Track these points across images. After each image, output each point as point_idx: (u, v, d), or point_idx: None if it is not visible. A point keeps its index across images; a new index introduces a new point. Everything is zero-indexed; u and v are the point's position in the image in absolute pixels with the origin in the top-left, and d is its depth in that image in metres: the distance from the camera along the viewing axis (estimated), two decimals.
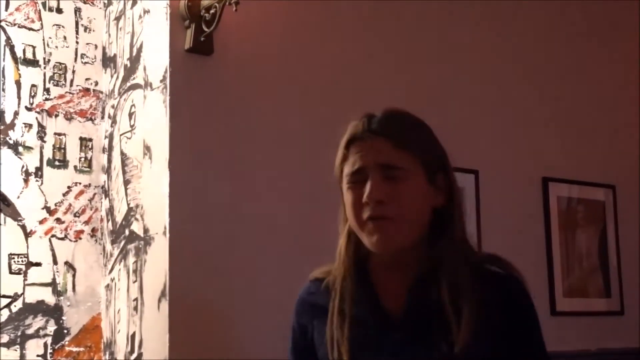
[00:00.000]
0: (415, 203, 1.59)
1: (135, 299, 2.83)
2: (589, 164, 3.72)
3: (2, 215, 3.02)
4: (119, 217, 3.02)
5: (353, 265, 1.67)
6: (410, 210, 1.59)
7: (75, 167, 3.19)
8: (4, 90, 3.11)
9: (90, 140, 3.24)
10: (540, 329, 1.66)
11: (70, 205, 3.15)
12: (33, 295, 3.03)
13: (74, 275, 3.12)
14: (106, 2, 3.30)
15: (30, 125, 3.13)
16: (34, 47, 3.18)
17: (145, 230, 2.79)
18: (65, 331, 3.07)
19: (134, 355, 2.81)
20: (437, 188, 1.63)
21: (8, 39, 3.12)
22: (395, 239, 1.59)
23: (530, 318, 1.65)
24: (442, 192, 1.64)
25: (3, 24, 3.12)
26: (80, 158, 3.21)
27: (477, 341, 1.53)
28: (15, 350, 2.96)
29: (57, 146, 3.17)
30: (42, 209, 3.10)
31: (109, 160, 3.17)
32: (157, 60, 2.81)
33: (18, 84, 3.14)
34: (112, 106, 3.18)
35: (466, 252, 1.64)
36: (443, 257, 1.60)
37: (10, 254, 3.02)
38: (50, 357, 3.03)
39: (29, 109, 3.14)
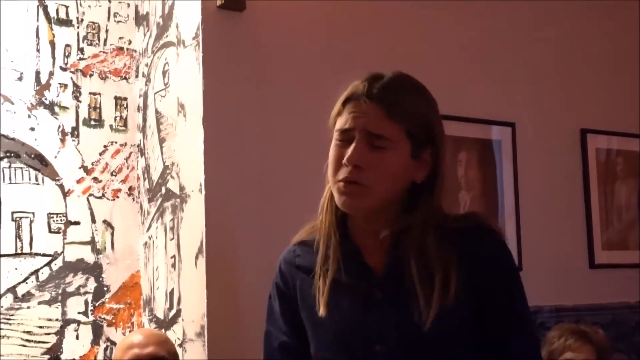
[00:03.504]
0: (392, 175, 1.61)
1: (173, 256, 2.85)
2: (627, 114, 3.66)
3: (40, 175, 3.05)
4: (155, 176, 3.04)
5: (335, 222, 1.69)
6: (384, 181, 1.61)
7: (110, 126, 3.21)
8: (38, 50, 3.12)
9: (125, 99, 3.25)
10: (519, 281, 1.66)
11: (107, 164, 3.17)
12: (73, 253, 3.07)
13: (112, 234, 3.15)
14: None
15: (65, 85, 3.14)
16: (67, 7, 3.18)
17: (181, 188, 2.80)
18: (105, 288, 3.11)
19: (173, 312, 2.84)
20: (420, 162, 1.64)
21: None
22: (361, 203, 1.62)
23: (507, 270, 1.66)
24: (426, 167, 1.65)
25: None
26: (115, 117, 3.22)
27: (454, 301, 1.55)
28: (57, 307, 3.01)
29: (93, 106, 3.18)
30: (79, 168, 3.12)
31: (144, 119, 3.18)
32: (189, 17, 2.80)
33: (52, 44, 3.15)
34: (146, 64, 3.18)
35: (439, 218, 1.64)
36: (413, 227, 1.61)
37: (49, 214, 3.05)
38: (91, 314, 3.07)
39: (63, 69, 3.15)
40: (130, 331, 3.10)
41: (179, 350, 2.71)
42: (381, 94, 1.61)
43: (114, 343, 3.05)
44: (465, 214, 1.75)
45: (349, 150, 1.60)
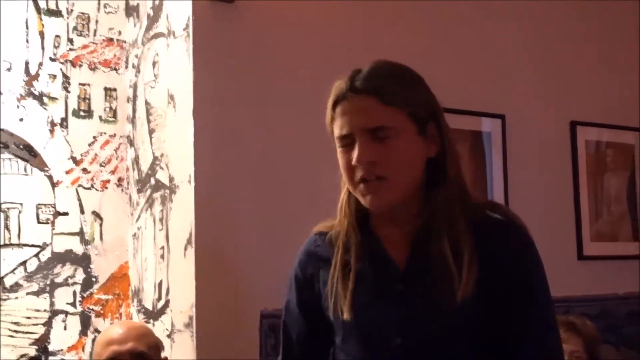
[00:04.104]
0: (407, 159, 1.58)
1: (162, 247, 2.85)
2: (618, 107, 3.66)
3: (29, 165, 3.04)
4: (145, 166, 3.03)
5: (356, 219, 1.67)
6: (402, 167, 1.57)
7: (100, 117, 3.20)
8: (27, 41, 3.11)
9: (115, 90, 3.24)
10: (544, 276, 1.62)
11: (96, 155, 3.17)
12: (61, 244, 3.07)
13: (101, 225, 3.14)
14: None
15: (54, 76, 3.14)
16: None
17: (171, 179, 2.79)
18: (94, 279, 3.11)
19: (162, 302, 2.84)
20: (429, 138, 1.61)
21: None
22: (388, 197, 1.58)
23: (532, 265, 1.61)
24: (435, 141, 1.62)
25: None
26: (105, 108, 3.21)
27: (478, 290, 1.52)
28: (45, 298, 3.01)
29: (82, 96, 3.18)
30: (68, 159, 3.12)
31: (134, 110, 3.17)
32: (179, 8, 2.79)
33: (42, 34, 3.14)
34: (136, 55, 3.17)
35: (463, 199, 1.62)
36: (439, 208, 1.58)
37: (38, 204, 3.04)
38: (80, 304, 3.07)
39: (53, 60, 3.14)
40: (118, 321, 3.10)
41: (167, 341, 2.71)
42: (365, 84, 1.58)
43: None
44: (491, 203, 1.69)
45: (355, 152, 1.56)
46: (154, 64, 3.00)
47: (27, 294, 2.98)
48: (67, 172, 3.11)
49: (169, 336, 2.73)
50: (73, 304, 3.06)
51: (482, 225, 1.59)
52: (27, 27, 3.11)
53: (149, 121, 3.02)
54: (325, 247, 1.72)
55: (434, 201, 1.60)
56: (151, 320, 2.90)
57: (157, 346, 2.39)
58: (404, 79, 1.63)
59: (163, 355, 2.42)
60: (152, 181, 2.95)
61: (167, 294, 2.80)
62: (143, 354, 2.28)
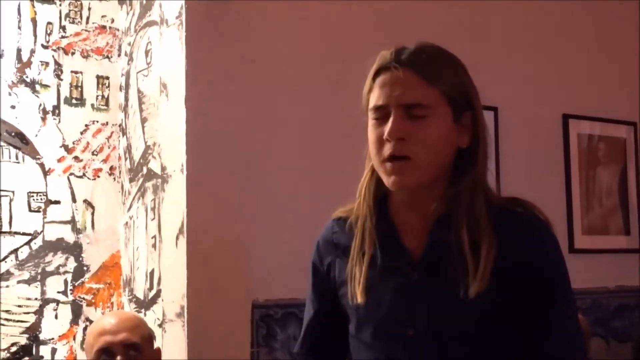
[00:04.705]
0: (437, 142, 1.55)
1: (154, 237, 2.84)
2: (610, 100, 3.66)
3: (20, 153, 3.03)
4: (137, 155, 3.02)
5: (374, 203, 1.64)
6: (431, 150, 1.55)
7: (92, 105, 3.19)
8: (20, 28, 3.10)
9: (107, 78, 3.23)
10: (566, 272, 1.60)
11: (88, 143, 3.16)
12: (53, 232, 3.06)
13: (92, 213, 3.14)
14: None
15: (46, 63, 3.12)
16: None
17: (163, 168, 2.79)
18: (85, 268, 3.10)
19: (153, 292, 2.83)
20: (462, 127, 1.59)
21: None
22: (411, 178, 1.55)
23: (554, 260, 1.59)
24: (468, 132, 1.60)
25: None
26: (97, 96, 3.20)
27: (495, 283, 1.51)
28: (36, 287, 3.00)
29: (74, 84, 3.16)
30: (60, 147, 3.11)
31: (126, 98, 3.16)
32: None
33: (34, 21, 3.12)
34: (129, 43, 3.15)
35: (486, 192, 1.60)
36: (462, 196, 1.56)
37: (29, 192, 3.04)
38: (71, 293, 3.06)
39: (45, 47, 3.13)
40: (110, 311, 3.09)
41: (159, 331, 2.71)
42: (412, 59, 1.56)
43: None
44: (514, 198, 1.65)
45: (388, 125, 1.53)
46: (146, 52, 2.99)
47: (18, 282, 2.97)
48: (59, 160, 3.10)
49: (160, 326, 2.73)
50: (64, 293, 3.05)
51: (504, 218, 1.57)
52: (19, 14, 3.09)
53: (141, 110, 3.01)
54: (343, 233, 1.71)
55: (456, 191, 1.57)
56: (142, 310, 2.90)
57: (150, 337, 2.39)
58: (449, 63, 1.62)
59: (155, 346, 2.42)
60: (144, 170, 2.95)
61: (159, 283, 2.79)
62: (136, 345, 2.27)
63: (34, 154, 3.05)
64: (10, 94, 3.03)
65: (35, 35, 3.12)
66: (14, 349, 2.94)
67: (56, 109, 3.12)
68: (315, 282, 1.78)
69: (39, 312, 3.00)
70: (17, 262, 2.98)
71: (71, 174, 3.11)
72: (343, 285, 1.67)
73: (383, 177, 1.58)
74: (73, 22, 3.19)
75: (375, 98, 1.58)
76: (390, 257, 1.61)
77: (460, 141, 1.59)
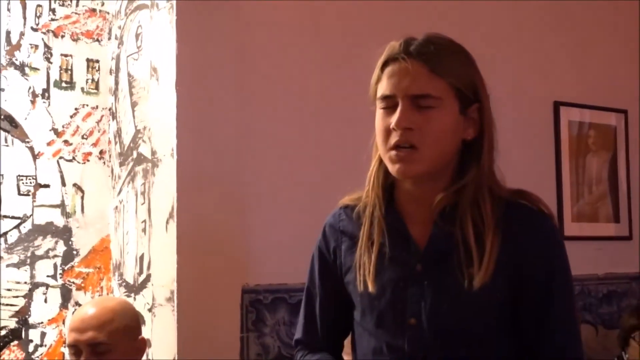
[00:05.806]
0: (443, 133, 1.57)
1: (144, 221, 2.83)
2: (601, 88, 3.67)
3: (9, 136, 3.01)
4: (127, 139, 3.01)
5: (382, 192, 1.66)
6: (437, 140, 1.56)
7: (82, 88, 3.17)
8: (9, 10, 3.07)
9: (97, 61, 3.21)
10: (567, 267, 1.60)
11: (77, 127, 3.14)
12: (42, 216, 3.05)
13: (82, 197, 3.13)
14: None
15: (36, 46, 3.10)
16: None
17: (153, 153, 2.78)
18: (75, 252, 3.09)
19: (143, 276, 2.83)
20: (469, 119, 1.60)
21: None
22: (416, 167, 1.56)
23: (557, 254, 1.60)
24: (474, 124, 1.61)
25: None
26: (87, 80, 3.19)
27: (498, 276, 1.52)
28: (25, 270, 2.99)
29: (64, 67, 3.15)
30: (50, 130, 3.09)
31: (116, 82, 3.15)
32: None
33: (23, 4, 3.10)
34: (119, 27, 3.14)
35: (492, 184, 1.61)
36: (467, 188, 1.58)
37: (19, 176, 3.02)
38: (60, 277, 3.06)
39: (34, 30, 3.11)
40: (99, 295, 3.09)
41: (148, 315, 2.71)
42: (421, 50, 1.57)
43: None
44: (520, 190, 1.65)
45: (395, 115, 1.55)
46: (137, 36, 2.97)
47: (7, 266, 2.96)
48: (49, 144, 3.08)
49: (150, 310, 2.72)
50: (54, 277, 3.04)
51: (509, 211, 1.58)
52: None
53: (131, 94, 2.99)
54: (349, 221, 1.72)
55: (462, 183, 1.59)
56: (132, 294, 2.89)
57: (127, 330, 2.29)
58: (458, 54, 1.63)
59: (140, 336, 2.35)
60: (134, 154, 2.94)
61: (149, 267, 2.79)
62: (102, 344, 2.22)
63: (23, 137, 3.04)
64: None
65: (24, 18, 3.09)
66: (3, 332, 2.93)
67: (46, 92, 3.10)
68: (321, 268, 1.78)
69: (29, 296, 2.99)
70: (7, 246, 2.97)
71: (61, 157, 3.10)
72: (349, 272, 1.68)
73: (388, 165, 1.59)
74: (63, 5, 3.16)
75: (383, 88, 1.59)
76: (398, 247, 1.62)
77: (465, 133, 1.61)
